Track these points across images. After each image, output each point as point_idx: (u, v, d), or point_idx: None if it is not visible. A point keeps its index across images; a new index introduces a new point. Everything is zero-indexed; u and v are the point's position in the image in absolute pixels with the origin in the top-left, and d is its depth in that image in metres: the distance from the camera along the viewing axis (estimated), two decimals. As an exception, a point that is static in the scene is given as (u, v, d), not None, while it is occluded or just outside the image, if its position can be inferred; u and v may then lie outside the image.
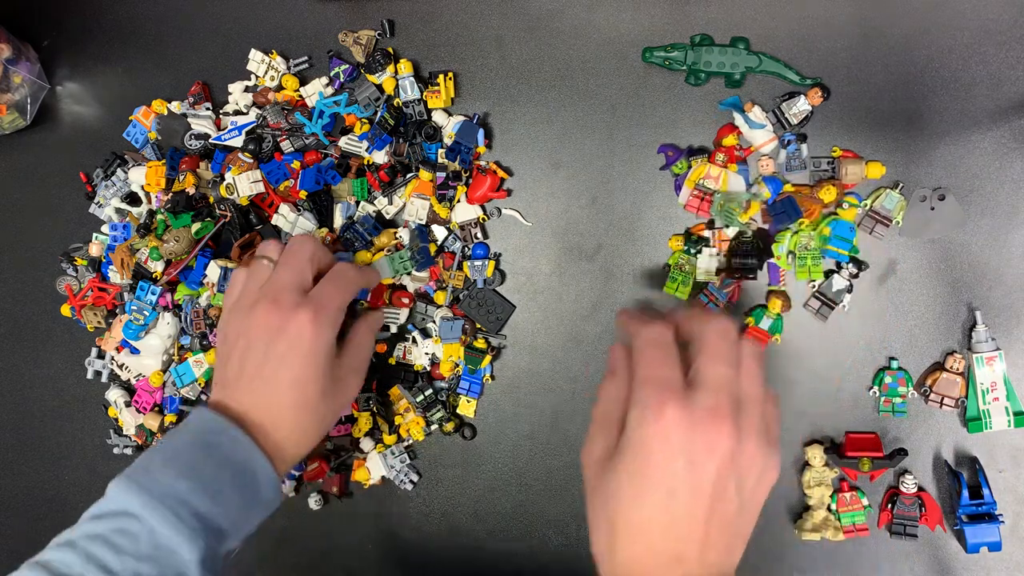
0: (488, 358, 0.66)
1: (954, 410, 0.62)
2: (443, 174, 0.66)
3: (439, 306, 0.67)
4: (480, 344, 0.67)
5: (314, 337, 0.54)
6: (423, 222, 0.67)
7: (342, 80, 0.68)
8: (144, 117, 0.73)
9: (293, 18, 0.71)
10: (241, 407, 0.54)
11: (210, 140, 0.70)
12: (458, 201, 0.66)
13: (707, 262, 0.63)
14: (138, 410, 0.72)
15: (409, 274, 0.67)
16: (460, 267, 0.67)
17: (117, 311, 0.73)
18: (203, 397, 0.70)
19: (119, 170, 0.73)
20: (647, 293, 0.66)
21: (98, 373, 0.75)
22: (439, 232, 0.67)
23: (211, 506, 0.50)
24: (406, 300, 0.67)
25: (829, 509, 0.63)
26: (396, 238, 0.67)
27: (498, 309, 0.67)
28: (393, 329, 0.67)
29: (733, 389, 0.42)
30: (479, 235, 0.67)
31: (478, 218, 0.66)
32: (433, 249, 0.66)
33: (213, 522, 0.49)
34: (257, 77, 0.70)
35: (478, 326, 0.67)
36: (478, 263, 0.66)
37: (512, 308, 0.67)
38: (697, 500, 0.40)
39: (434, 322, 0.67)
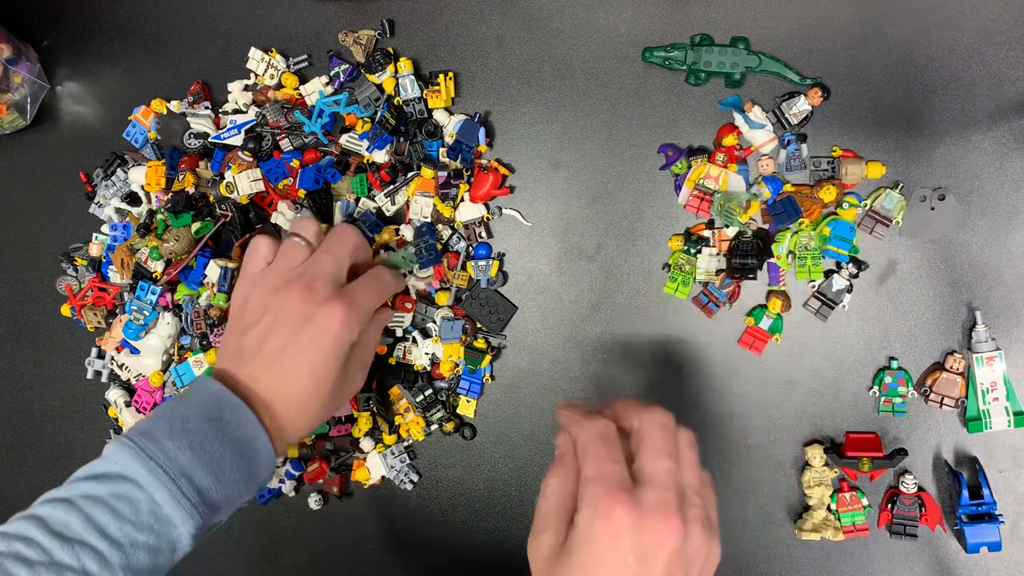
0: (488, 358, 0.66)
1: (954, 410, 0.62)
2: (444, 173, 0.66)
3: (440, 306, 0.67)
4: (480, 344, 0.67)
5: (341, 333, 0.54)
6: (428, 220, 0.67)
7: (342, 80, 0.68)
8: (143, 117, 0.73)
9: (293, 18, 0.71)
10: (251, 383, 0.54)
11: (209, 139, 0.70)
12: (461, 200, 0.66)
13: (707, 262, 0.63)
14: (138, 410, 0.72)
15: (412, 273, 0.67)
16: (464, 267, 0.67)
17: (117, 311, 0.73)
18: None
19: (119, 170, 0.73)
20: (647, 293, 0.66)
21: (98, 373, 0.74)
22: (443, 231, 0.67)
23: (212, 482, 0.50)
24: (409, 305, 0.67)
25: (829, 509, 0.63)
26: (398, 235, 0.67)
27: (500, 310, 0.67)
28: (399, 333, 0.67)
29: (676, 481, 0.43)
30: (483, 234, 0.67)
31: (482, 217, 0.66)
32: (439, 248, 0.66)
33: (210, 497, 0.50)
34: (256, 75, 0.70)
35: (479, 326, 0.67)
36: (482, 263, 0.66)
37: (514, 309, 0.67)
38: None
39: (434, 322, 0.67)
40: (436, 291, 0.67)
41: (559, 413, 0.48)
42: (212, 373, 0.55)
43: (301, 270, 0.56)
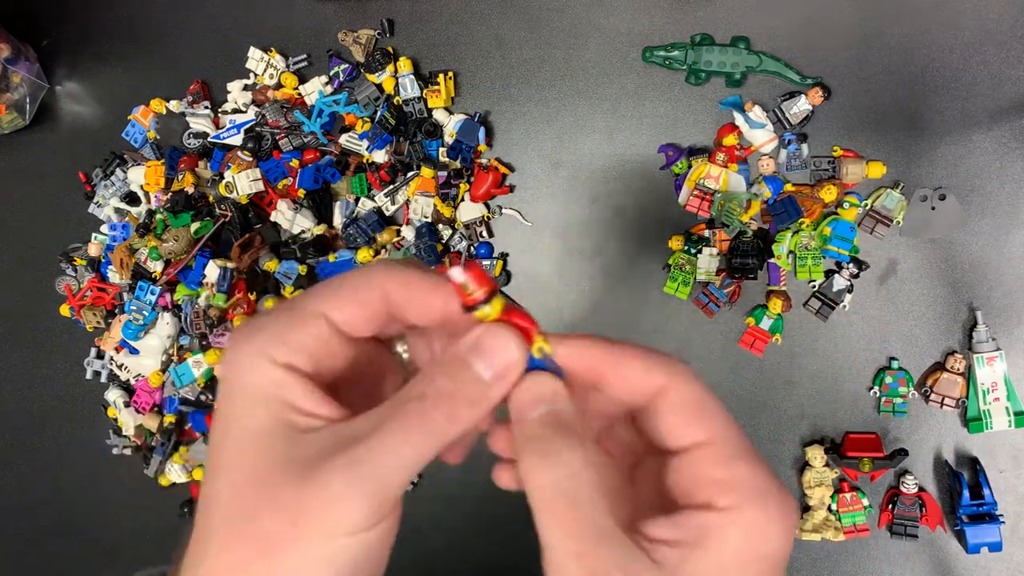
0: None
1: (955, 410, 0.61)
2: (444, 173, 0.66)
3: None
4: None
5: (233, 379, 0.26)
6: (428, 219, 0.66)
7: (341, 79, 0.68)
8: (143, 116, 0.72)
9: (292, 17, 0.71)
10: None
11: (209, 139, 0.69)
12: (461, 200, 0.66)
13: (707, 262, 0.63)
14: (137, 410, 0.72)
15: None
16: (467, 265, 0.67)
17: (116, 311, 0.73)
18: (202, 398, 0.70)
19: (118, 170, 0.73)
20: (647, 293, 0.65)
21: (97, 373, 0.74)
22: (444, 231, 0.67)
23: None
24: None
25: (829, 509, 0.63)
26: (398, 235, 0.67)
27: (502, 310, 0.67)
28: None
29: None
30: (484, 234, 0.67)
31: (483, 216, 0.66)
32: (439, 249, 0.66)
33: None
34: (256, 75, 0.70)
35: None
36: (485, 262, 0.66)
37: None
38: None
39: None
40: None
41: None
42: None
43: None
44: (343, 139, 0.67)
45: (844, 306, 0.62)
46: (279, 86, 0.70)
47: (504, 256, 0.67)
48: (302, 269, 0.66)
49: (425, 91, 0.67)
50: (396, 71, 0.67)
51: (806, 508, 0.64)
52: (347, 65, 0.68)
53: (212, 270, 0.67)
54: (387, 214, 0.68)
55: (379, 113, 0.66)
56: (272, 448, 0.24)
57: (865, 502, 0.63)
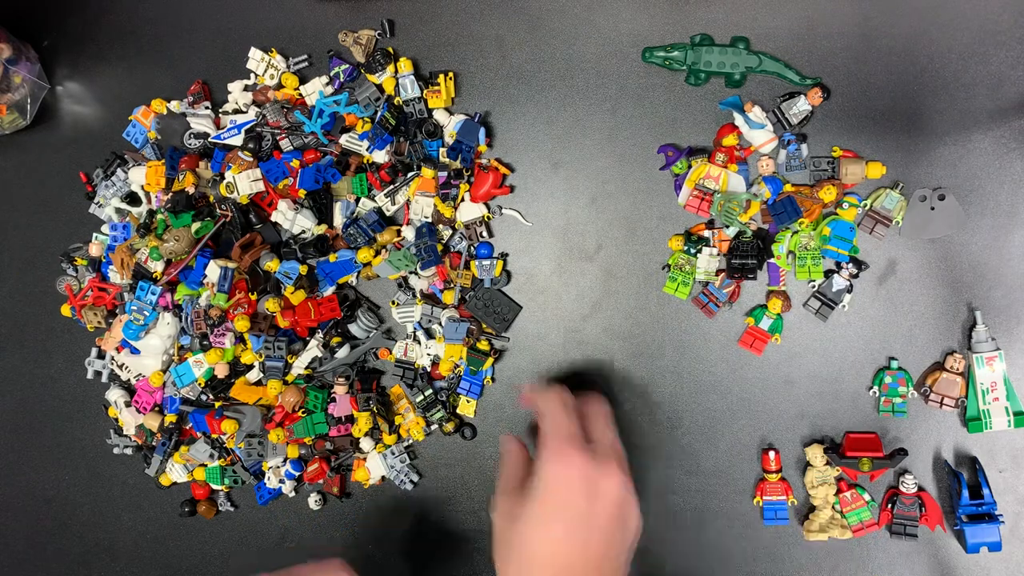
0: (490, 360, 0.66)
1: (954, 410, 0.62)
2: (445, 173, 0.66)
3: (446, 306, 0.67)
4: (483, 346, 0.67)
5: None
6: (428, 220, 0.67)
7: (342, 80, 0.68)
8: (144, 117, 0.73)
9: (293, 18, 0.71)
10: None
11: (209, 139, 0.70)
12: (462, 200, 0.66)
13: (707, 262, 0.63)
14: (138, 410, 0.72)
15: (414, 272, 0.67)
16: (467, 266, 0.67)
17: (117, 311, 0.73)
18: (203, 397, 0.70)
19: (119, 170, 0.73)
20: (647, 293, 0.66)
21: (98, 373, 0.74)
22: (444, 231, 0.67)
23: None
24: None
25: (834, 508, 0.63)
26: (399, 235, 0.67)
27: (504, 310, 0.67)
28: (409, 329, 0.67)
29: (620, 449, 0.52)
30: (484, 234, 0.67)
31: (483, 216, 0.66)
32: (440, 248, 0.66)
33: None
34: (256, 75, 0.70)
35: (484, 327, 0.67)
36: (486, 263, 0.66)
37: (519, 308, 0.67)
38: (592, 534, 0.47)
39: (439, 323, 0.67)
40: (441, 291, 0.67)
41: (525, 397, 0.56)
42: None
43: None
44: (343, 139, 0.67)
45: (843, 306, 0.62)
46: (280, 86, 0.70)
47: (504, 256, 0.67)
48: (303, 269, 0.67)
49: (425, 91, 0.67)
50: (396, 71, 0.67)
51: (811, 508, 0.64)
52: (347, 66, 0.69)
53: (213, 270, 0.67)
54: (387, 214, 0.68)
55: (379, 113, 0.66)
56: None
57: (867, 497, 0.63)
